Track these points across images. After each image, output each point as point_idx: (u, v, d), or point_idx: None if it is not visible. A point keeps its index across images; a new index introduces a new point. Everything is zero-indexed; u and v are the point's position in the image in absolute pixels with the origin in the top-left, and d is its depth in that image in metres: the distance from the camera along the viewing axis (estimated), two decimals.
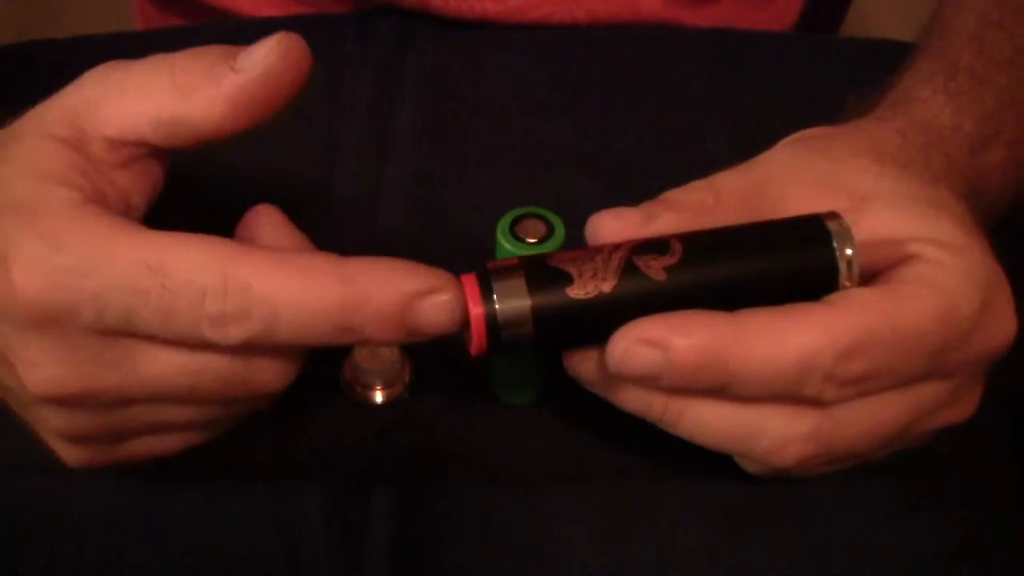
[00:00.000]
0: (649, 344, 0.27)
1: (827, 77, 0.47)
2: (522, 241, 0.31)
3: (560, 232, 0.31)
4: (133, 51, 0.51)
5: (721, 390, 0.27)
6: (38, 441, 0.30)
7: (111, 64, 0.29)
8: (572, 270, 0.27)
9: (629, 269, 0.27)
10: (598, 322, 0.27)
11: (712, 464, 0.31)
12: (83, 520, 0.32)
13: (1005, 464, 0.35)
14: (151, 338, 0.26)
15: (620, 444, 0.33)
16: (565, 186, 0.42)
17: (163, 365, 0.27)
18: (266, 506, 0.32)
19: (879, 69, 0.38)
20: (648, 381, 0.27)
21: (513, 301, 0.27)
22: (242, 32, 0.49)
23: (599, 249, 0.28)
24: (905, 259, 0.29)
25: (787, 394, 0.27)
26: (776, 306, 0.27)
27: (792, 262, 0.28)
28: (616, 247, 0.28)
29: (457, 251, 0.40)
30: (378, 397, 0.35)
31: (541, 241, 0.31)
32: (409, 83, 0.46)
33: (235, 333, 0.26)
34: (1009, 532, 0.33)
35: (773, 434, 0.28)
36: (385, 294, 0.26)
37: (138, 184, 0.29)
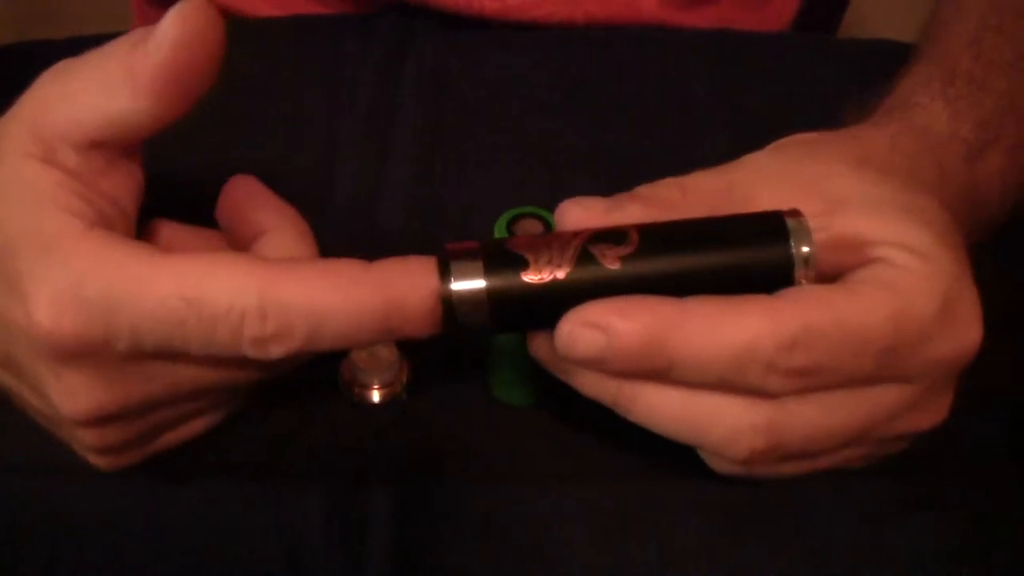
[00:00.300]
0: (592, 327, 0.27)
1: (826, 77, 0.47)
2: None
3: None
4: None
5: (665, 374, 0.27)
6: (38, 441, 0.30)
7: (57, 67, 0.29)
8: (528, 255, 0.27)
9: (584, 257, 0.27)
10: (553, 307, 0.28)
11: None
12: (83, 520, 0.32)
13: (1005, 464, 0.35)
14: (188, 355, 0.27)
15: (619, 444, 0.33)
16: (564, 186, 0.42)
17: (199, 374, 0.28)
18: (266, 506, 0.32)
19: (878, 69, 0.38)
20: (595, 364, 0.28)
21: (468, 283, 0.27)
22: (241, 32, 0.50)
23: (557, 236, 0.28)
24: (869, 262, 0.29)
25: (731, 382, 0.27)
26: (725, 296, 0.28)
27: (748, 256, 0.28)
28: (575, 234, 0.28)
29: None
30: (376, 397, 0.35)
31: None
32: (409, 83, 0.46)
33: (277, 350, 0.26)
34: (1009, 532, 0.33)
35: (725, 424, 0.28)
36: (419, 293, 0.27)
37: (123, 188, 0.29)
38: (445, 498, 0.33)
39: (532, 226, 0.31)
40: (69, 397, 0.26)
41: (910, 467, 0.32)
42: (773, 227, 0.28)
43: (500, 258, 0.28)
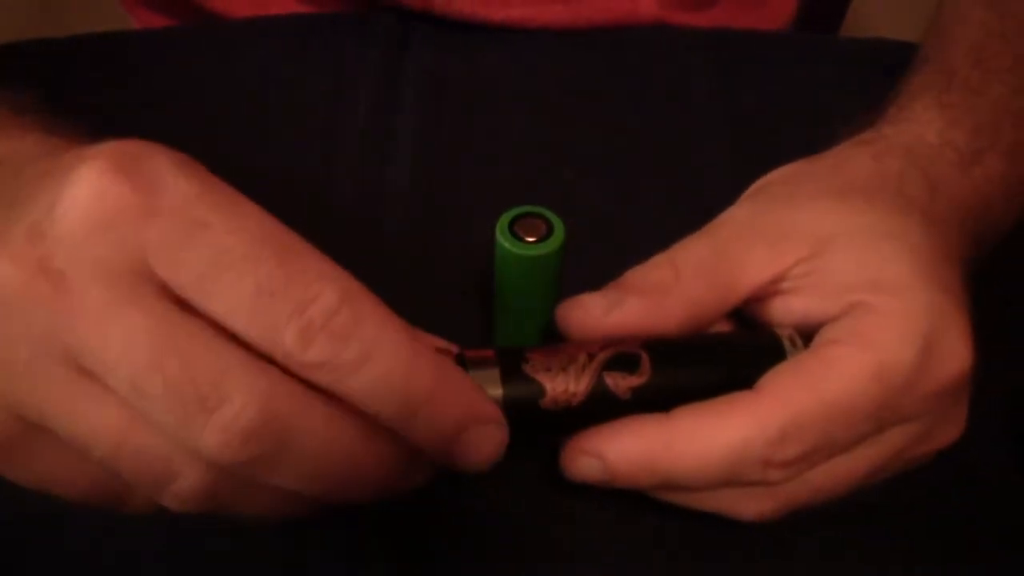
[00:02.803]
0: (587, 454, 0.28)
1: (826, 77, 0.47)
2: (521, 240, 0.31)
3: (559, 232, 0.31)
4: (132, 51, 0.51)
5: (664, 486, 0.29)
6: None
7: None
8: (546, 383, 0.28)
9: (598, 387, 0.28)
10: (564, 425, 0.29)
11: None
12: (83, 521, 0.32)
13: (1005, 464, 0.35)
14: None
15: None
16: (565, 186, 0.42)
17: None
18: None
19: (878, 69, 0.38)
20: (599, 484, 0.29)
21: (488, 391, 0.28)
22: (243, 32, 0.50)
23: (573, 357, 0.28)
24: (849, 308, 0.29)
25: (731, 482, 0.28)
26: (706, 401, 0.28)
27: (749, 373, 0.29)
28: (590, 356, 0.28)
29: (457, 251, 0.40)
30: None
31: (540, 240, 0.31)
32: (409, 83, 0.46)
33: (317, 349, 0.22)
34: (1009, 532, 0.33)
35: (730, 502, 0.29)
36: (458, 402, 0.24)
37: None
38: (444, 498, 0.33)
39: (535, 225, 0.31)
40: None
41: (909, 467, 0.32)
42: (771, 346, 0.30)
43: (518, 380, 0.28)
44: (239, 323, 0.22)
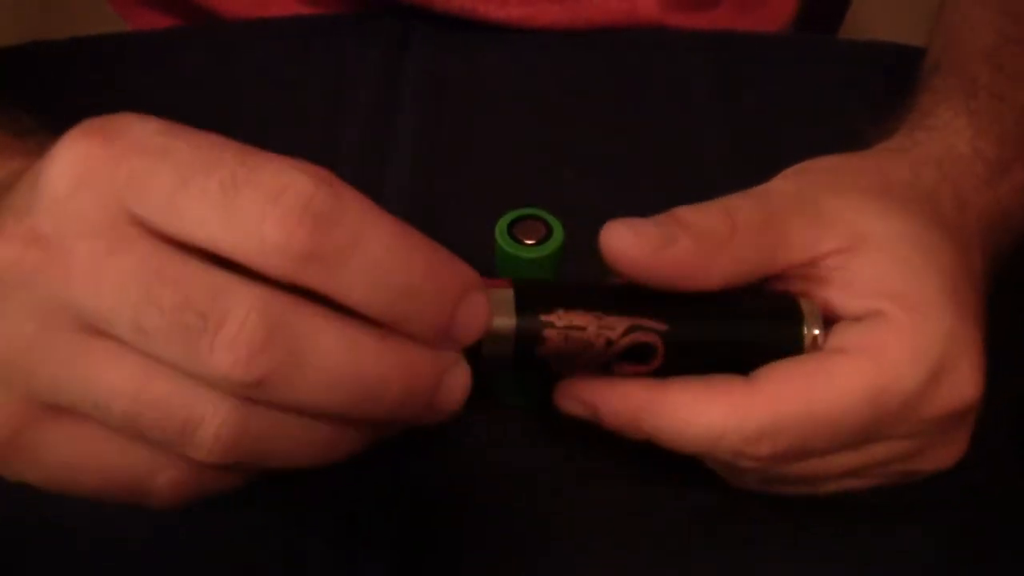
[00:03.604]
0: (580, 401, 0.29)
1: (826, 77, 0.47)
2: (520, 242, 0.31)
3: (558, 233, 0.31)
4: (133, 51, 0.51)
5: (649, 441, 0.29)
6: None
7: None
8: (554, 365, 0.28)
9: (605, 371, 0.28)
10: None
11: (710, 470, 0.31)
12: (83, 521, 0.32)
13: (1006, 464, 0.35)
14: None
15: (617, 446, 0.33)
16: (565, 186, 0.42)
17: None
18: (266, 507, 0.32)
19: (878, 70, 0.38)
20: (589, 420, 0.30)
21: (500, 319, 0.27)
22: (243, 32, 0.50)
23: (590, 344, 0.27)
24: (869, 314, 0.29)
25: (707, 457, 0.29)
26: (704, 376, 0.28)
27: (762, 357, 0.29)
28: (608, 344, 0.28)
29: (457, 251, 0.40)
30: None
31: (539, 242, 0.31)
32: (409, 83, 0.46)
33: (301, 237, 0.21)
34: (1009, 532, 0.33)
35: (713, 465, 0.30)
36: (452, 275, 0.24)
37: None
38: (444, 497, 0.33)
39: (534, 228, 0.31)
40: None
41: None
42: (793, 347, 0.29)
43: (529, 362, 0.28)
44: (216, 233, 0.21)
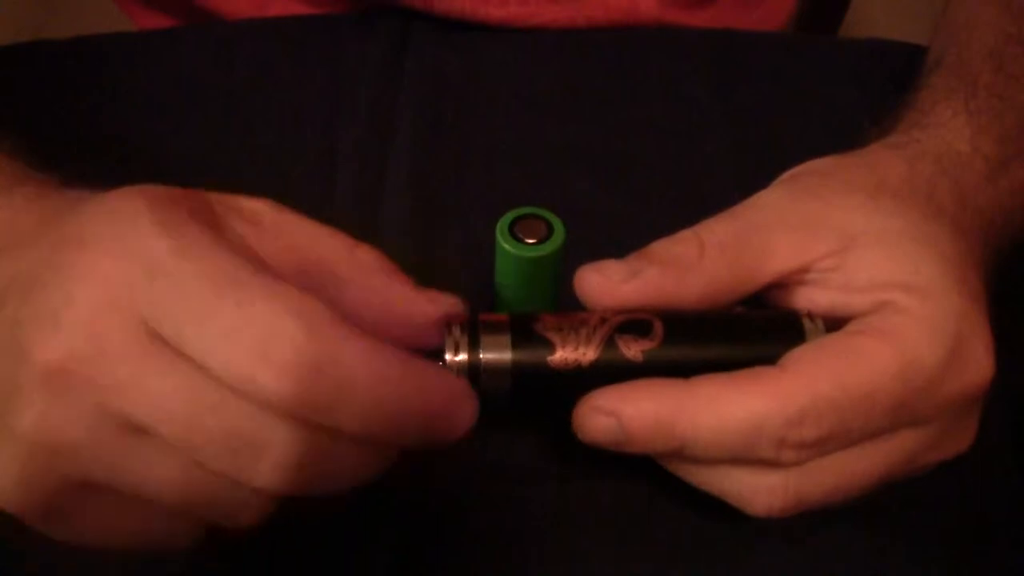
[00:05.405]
0: (603, 413, 0.28)
1: (826, 77, 0.47)
2: (521, 241, 0.31)
3: (559, 233, 0.31)
4: (133, 51, 0.51)
5: (680, 453, 0.28)
6: None
7: None
8: (555, 341, 0.28)
9: (609, 347, 0.28)
10: (573, 389, 0.29)
11: None
12: None
13: (1005, 464, 0.35)
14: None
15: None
16: (565, 186, 0.42)
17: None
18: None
19: (878, 69, 0.38)
20: (612, 447, 0.29)
21: (496, 354, 0.28)
22: (243, 32, 0.50)
23: (585, 320, 0.29)
24: (878, 306, 0.29)
25: (744, 457, 0.28)
26: (727, 372, 0.28)
27: (765, 353, 0.29)
28: (602, 320, 0.29)
29: (457, 251, 0.40)
30: None
31: (540, 242, 0.31)
32: (409, 83, 0.46)
33: (289, 390, 0.23)
34: (1009, 532, 0.33)
35: (740, 486, 0.29)
36: (438, 392, 0.25)
37: None
38: (444, 496, 0.33)
39: (535, 227, 0.31)
40: None
41: None
42: (790, 325, 0.29)
43: (527, 338, 0.28)
44: (222, 373, 0.23)
